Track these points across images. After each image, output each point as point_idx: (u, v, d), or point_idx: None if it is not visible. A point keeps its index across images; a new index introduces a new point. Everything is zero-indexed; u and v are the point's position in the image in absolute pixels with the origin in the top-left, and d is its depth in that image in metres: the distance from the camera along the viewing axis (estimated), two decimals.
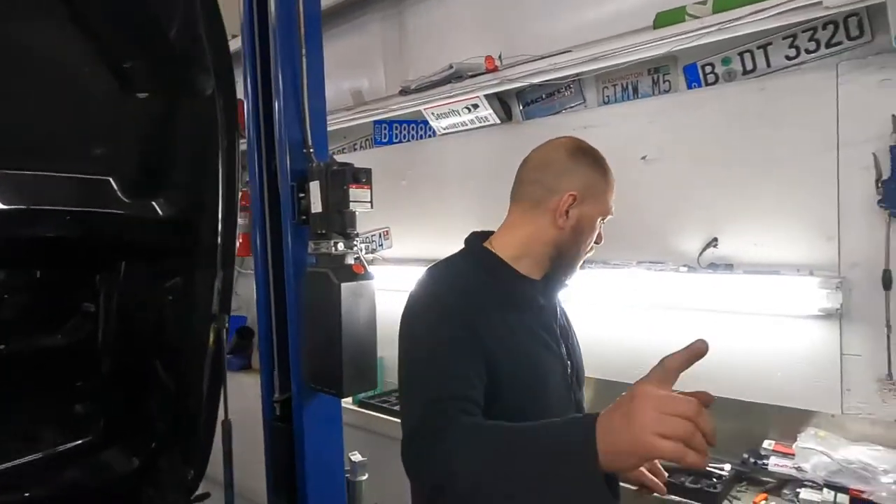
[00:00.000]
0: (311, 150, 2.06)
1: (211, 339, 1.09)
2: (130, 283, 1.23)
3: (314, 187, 1.97)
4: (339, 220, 1.97)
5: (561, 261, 1.20)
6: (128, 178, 1.23)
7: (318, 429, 2.14)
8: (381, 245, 3.12)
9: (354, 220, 2.03)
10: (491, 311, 1.10)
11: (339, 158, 3.29)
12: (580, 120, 2.32)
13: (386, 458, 2.85)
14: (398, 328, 1.12)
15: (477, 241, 1.25)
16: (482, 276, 1.17)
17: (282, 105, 2.05)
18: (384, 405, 2.84)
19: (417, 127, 2.95)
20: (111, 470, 1.24)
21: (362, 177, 1.96)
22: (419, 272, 3.57)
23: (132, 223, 1.22)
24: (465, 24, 2.73)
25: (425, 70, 2.68)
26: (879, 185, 1.66)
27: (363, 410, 2.90)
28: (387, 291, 3.09)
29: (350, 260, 2.03)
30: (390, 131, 3.05)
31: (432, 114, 2.69)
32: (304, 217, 2.03)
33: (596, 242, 1.24)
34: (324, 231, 1.97)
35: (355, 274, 1.97)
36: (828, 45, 1.78)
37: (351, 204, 1.95)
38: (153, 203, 1.25)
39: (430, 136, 2.86)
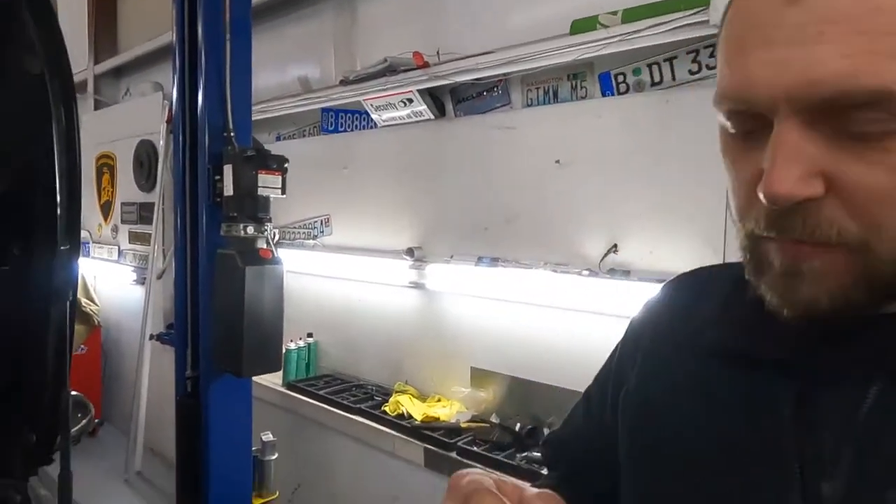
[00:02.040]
0: (232, 135, 2.10)
1: (52, 315, 1.13)
2: None
3: (227, 170, 2.01)
4: (252, 205, 2.02)
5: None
6: None
7: (226, 406, 2.19)
8: (323, 232, 3.17)
9: (268, 205, 2.07)
10: (673, 347, 0.61)
11: (287, 144, 3.40)
12: (506, 120, 2.36)
13: (310, 442, 2.93)
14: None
15: None
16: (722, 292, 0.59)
17: (204, 90, 2.10)
18: (310, 388, 2.88)
19: (361, 117, 2.98)
20: None
21: (273, 163, 2.00)
22: (357, 261, 3.52)
23: None
24: (413, 17, 2.76)
25: (373, 61, 2.71)
26: None
27: (291, 393, 2.94)
28: (323, 278, 3.17)
29: (262, 244, 2.08)
30: (336, 120, 3.08)
31: (371, 105, 2.73)
32: (218, 199, 2.08)
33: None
34: (235, 214, 2.02)
35: (262, 258, 2.01)
36: None
37: (260, 189, 1.98)
38: None
39: (371, 127, 2.90)
